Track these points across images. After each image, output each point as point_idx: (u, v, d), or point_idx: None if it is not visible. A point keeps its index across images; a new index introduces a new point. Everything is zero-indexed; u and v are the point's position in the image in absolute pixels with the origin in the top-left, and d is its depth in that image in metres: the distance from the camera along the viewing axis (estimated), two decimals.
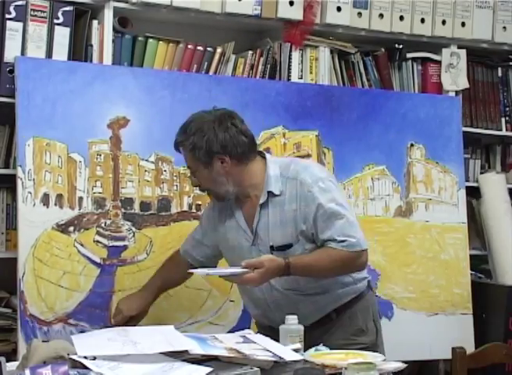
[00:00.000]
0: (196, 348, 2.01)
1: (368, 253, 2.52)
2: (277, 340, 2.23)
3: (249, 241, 2.55)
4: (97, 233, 2.95)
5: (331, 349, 2.22)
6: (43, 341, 2.02)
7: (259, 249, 2.52)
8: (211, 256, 2.73)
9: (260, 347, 2.08)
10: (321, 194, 2.45)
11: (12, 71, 2.94)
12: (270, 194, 2.50)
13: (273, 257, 2.41)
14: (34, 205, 2.86)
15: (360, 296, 2.60)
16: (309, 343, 2.24)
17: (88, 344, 2.06)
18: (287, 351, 2.09)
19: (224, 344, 2.08)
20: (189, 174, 2.65)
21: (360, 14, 3.49)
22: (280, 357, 2.01)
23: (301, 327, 2.25)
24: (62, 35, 3.02)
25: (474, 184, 3.82)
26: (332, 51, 3.50)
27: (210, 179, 2.51)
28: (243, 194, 2.54)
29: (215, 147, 2.46)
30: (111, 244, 2.96)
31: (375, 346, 2.54)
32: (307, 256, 2.47)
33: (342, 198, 2.53)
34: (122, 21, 3.17)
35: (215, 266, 2.72)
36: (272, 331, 2.39)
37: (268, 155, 2.60)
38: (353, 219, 2.47)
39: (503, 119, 3.87)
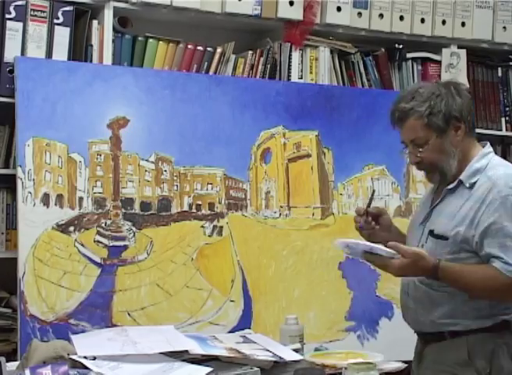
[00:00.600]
0: (196, 348, 2.01)
1: None
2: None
3: (422, 219, 2.40)
4: (98, 233, 2.95)
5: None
6: (43, 341, 2.03)
7: (423, 230, 2.37)
8: None
9: (260, 347, 2.08)
10: (507, 209, 2.21)
11: (12, 71, 2.94)
12: (460, 183, 2.31)
13: (424, 254, 2.20)
14: (34, 205, 2.86)
15: (483, 330, 2.29)
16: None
17: (88, 344, 2.07)
18: (287, 351, 2.09)
19: (224, 344, 2.08)
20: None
21: (360, 14, 3.49)
22: (280, 357, 2.01)
23: (301, 327, 2.25)
24: (62, 35, 3.02)
25: None
26: (332, 51, 3.50)
27: (440, 150, 2.30)
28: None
29: (454, 111, 2.28)
30: (111, 244, 2.96)
31: None
32: (463, 265, 2.25)
33: None
34: (122, 21, 3.17)
35: None
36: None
37: (488, 148, 2.38)
38: None
39: (503, 119, 3.87)
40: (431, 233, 2.33)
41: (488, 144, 2.41)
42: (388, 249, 2.20)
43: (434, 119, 2.27)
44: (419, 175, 3.50)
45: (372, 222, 2.46)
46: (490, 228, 2.21)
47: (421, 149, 2.31)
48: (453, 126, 2.29)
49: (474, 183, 2.29)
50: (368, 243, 2.27)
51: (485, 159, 2.33)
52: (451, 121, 2.28)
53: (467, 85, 3.72)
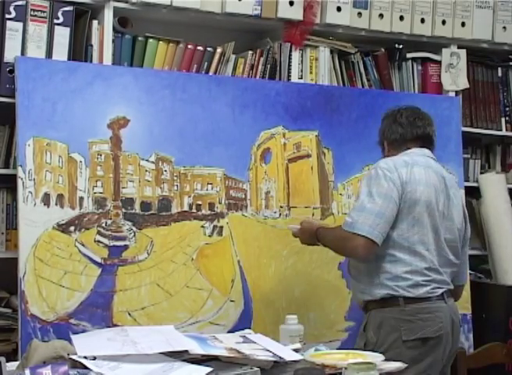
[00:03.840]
0: (196, 348, 2.01)
1: (366, 245, 2.57)
2: None
3: None
4: (98, 233, 2.95)
5: None
6: (43, 341, 2.03)
7: None
8: None
9: (260, 347, 2.08)
10: (366, 178, 2.68)
11: (12, 71, 2.94)
12: None
13: (312, 221, 2.95)
14: (35, 204, 2.86)
15: (375, 303, 2.67)
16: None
17: (88, 344, 2.07)
18: (287, 351, 2.10)
19: (224, 344, 2.08)
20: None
21: (360, 14, 3.49)
22: (280, 357, 2.01)
23: (301, 327, 2.25)
24: (62, 35, 3.02)
25: (474, 184, 3.82)
26: (332, 51, 3.50)
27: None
28: None
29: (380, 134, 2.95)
30: (112, 244, 2.96)
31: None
32: (332, 228, 2.83)
33: (378, 186, 2.62)
34: (122, 21, 3.17)
35: None
36: None
37: (416, 150, 2.84)
38: (368, 206, 2.58)
39: (503, 119, 3.87)
40: None
41: (424, 149, 2.86)
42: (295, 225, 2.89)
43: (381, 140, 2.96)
44: None
45: None
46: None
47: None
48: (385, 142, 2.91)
49: None
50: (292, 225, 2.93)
51: (403, 155, 2.77)
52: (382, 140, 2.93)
53: (467, 85, 3.73)
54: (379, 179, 2.63)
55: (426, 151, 2.85)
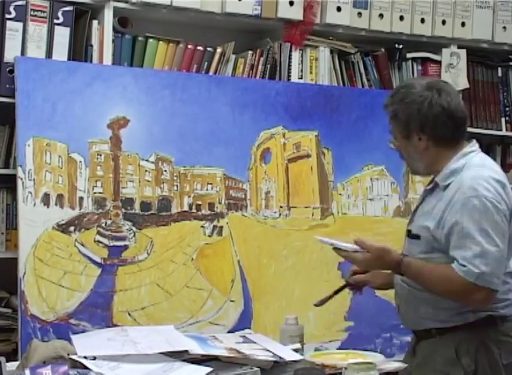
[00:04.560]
0: (196, 348, 2.01)
1: (492, 295, 2.21)
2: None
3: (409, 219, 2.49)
4: (98, 233, 2.95)
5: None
6: (43, 341, 2.03)
7: (406, 231, 2.45)
8: None
9: (260, 347, 2.08)
10: (469, 211, 2.23)
11: (12, 71, 2.94)
12: (436, 184, 2.37)
13: (389, 249, 2.30)
14: (35, 204, 2.86)
15: (468, 325, 2.31)
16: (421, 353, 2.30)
17: (88, 344, 2.07)
18: (287, 351, 2.10)
19: (224, 344, 2.08)
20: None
21: (360, 14, 3.49)
22: (280, 357, 2.01)
23: (301, 327, 2.25)
24: (62, 35, 3.02)
25: None
26: (332, 51, 3.50)
27: (406, 150, 2.42)
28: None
29: (414, 124, 2.35)
30: (111, 244, 2.96)
31: None
32: (424, 263, 2.30)
33: (493, 223, 2.22)
34: (122, 21, 3.17)
35: None
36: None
37: (470, 148, 2.39)
38: (491, 251, 2.19)
39: (503, 119, 3.87)
40: (408, 233, 2.41)
41: (474, 141, 2.43)
42: (351, 245, 2.32)
43: (397, 123, 2.41)
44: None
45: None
46: (453, 228, 2.24)
47: (394, 141, 2.46)
48: (416, 134, 2.37)
49: (449, 184, 2.32)
50: (334, 240, 2.40)
51: (464, 159, 2.35)
52: (411, 130, 2.37)
53: (467, 85, 3.73)
54: (491, 214, 2.22)
55: (477, 145, 2.45)
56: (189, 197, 3.12)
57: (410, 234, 2.39)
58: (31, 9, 2.98)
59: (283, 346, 2.16)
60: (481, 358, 2.28)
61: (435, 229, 2.29)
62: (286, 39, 3.39)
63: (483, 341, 2.30)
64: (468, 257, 2.18)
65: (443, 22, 3.64)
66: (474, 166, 2.33)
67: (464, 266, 2.18)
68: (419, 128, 2.35)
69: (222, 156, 3.15)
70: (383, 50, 3.60)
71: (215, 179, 3.14)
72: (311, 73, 3.45)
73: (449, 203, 2.28)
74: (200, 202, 3.12)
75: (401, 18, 3.56)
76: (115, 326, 2.82)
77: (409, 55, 3.67)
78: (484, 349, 2.29)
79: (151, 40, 3.20)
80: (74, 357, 1.94)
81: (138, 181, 3.03)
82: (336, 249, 2.36)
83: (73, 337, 2.12)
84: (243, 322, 3.03)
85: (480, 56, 3.84)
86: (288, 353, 2.07)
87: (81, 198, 2.94)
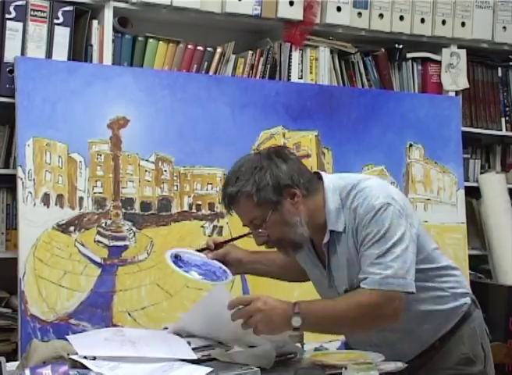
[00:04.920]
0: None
1: (404, 300, 2.04)
2: None
3: (326, 281, 2.18)
4: (98, 233, 2.95)
5: None
6: (43, 341, 2.02)
7: (337, 291, 2.15)
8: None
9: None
10: (373, 222, 2.03)
11: (12, 71, 2.94)
12: (332, 232, 2.10)
13: (271, 298, 2.00)
14: (35, 204, 2.86)
15: (465, 318, 2.20)
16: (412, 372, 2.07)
17: (88, 344, 2.06)
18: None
19: None
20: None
21: (360, 14, 3.49)
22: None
23: None
24: (62, 35, 3.02)
25: (474, 184, 3.82)
26: (332, 51, 3.50)
27: (282, 223, 2.07)
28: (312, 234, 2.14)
29: (282, 180, 2.05)
30: (111, 244, 2.96)
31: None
32: (322, 300, 2.14)
33: (398, 227, 2.03)
34: (122, 21, 3.17)
35: None
36: None
37: (326, 180, 2.14)
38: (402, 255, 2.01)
39: (503, 119, 3.87)
40: (346, 292, 2.11)
41: (323, 174, 2.17)
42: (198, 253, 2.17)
43: (264, 195, 2.04)
44: (418, 175, 3.51)
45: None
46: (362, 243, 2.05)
47: (261, 229, 2.09)
48: (287, 195, 2.06)
49: (345, 225, 2.08)
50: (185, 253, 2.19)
51: (334, 195, 2.10)
52: (283, 191, 2.05)
53: (467, 85, 3.73)
54: (391, 216, 2.04)
55: (324, 172, 2.21)
56: (189, 197, 3.11)
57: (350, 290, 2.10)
58: (31, 9, 2.98)
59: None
60: (485, 344, 2.25)
61: (359, 266, 2.07)
62: (286, 39, 3.39)
63: (480, 326, 2.25)
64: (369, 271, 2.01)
65: (443, 22, 3.64)
66: (351, 190, 2.10)
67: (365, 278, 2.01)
68: (289, 182, 2.05)
69: (222, 156, 3.15)
70: (383, 50, 3.60)
71: (215, 179, 3.14)
72: (311, 73, 3.45)
73: (356, 235, 2.07)
74: (200, 202, 3.12)
75: (401, 18, 3.56)
76: (115, 326, 2.83)
77: (409, 55, 3.67)
78: (482, 333, 2.26)
79: (151, 40, 3.20)
80: (74, 357, 1.94)
81: (138, 181, 3.03)
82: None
83: (69, 338, 2.10)
84: None
85: (480, 56, 3.84)
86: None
87: (81, 198, 2.94)
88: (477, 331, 2.23)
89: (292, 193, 2.06)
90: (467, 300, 2.22)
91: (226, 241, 2.34)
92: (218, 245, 2.31)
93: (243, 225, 2.15)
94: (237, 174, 2.07)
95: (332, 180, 2.14)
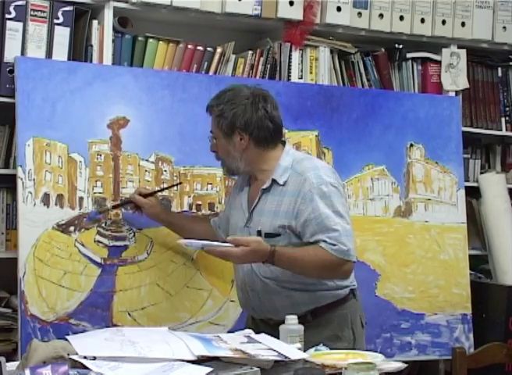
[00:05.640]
0: (201, 349, 2.00)
1: (353, 266, 2.50)
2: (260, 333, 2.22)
3: (243, 221, 2.59)
4: (98, 233, 2.95)
5: None
6: (43, 341, 2.02)
7: (249, 232, 2.56)
8: (226, 229, 2.75)
9: (265, 346, 2.08)
10: (321, 197, 2.46)
11: (12, 71, 2.94)
12: (274, 181, 2.54)
13: (261, 240, 2.44)
14: (35, 204, 2.86)
15: (340, 302, 2.58)
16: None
17: (88, 344, 2.06)
18: (292, 349, 2.09)
19: (228, 344, 2.08)
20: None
21: (360, 14, 3.49)
22: (285, 356, 2.00)
23: (301, 327, 2.24)
24: (62, 35, 3.02)
25: (474, 184, 3.82)
26: (332, 51, 3.50)
27: (226, 150, 2.57)
28: (253, 175, 2.61)
29: (239, 122, 2.52)
30: (111, 244, 2.96)
31: None
32: (295, 249, 2.47)
33: (341, 205, 2.50)
34: (122, 21, 3.17)
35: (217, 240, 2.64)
36: (254, 324, 2.55)
37: (288, 146, 2.63)
38: (348, 228, 2.46)
39: (503, 119, 3.87)
40: (259, 233, 2.53)
41: (287, 143, 2.66)
42: (225, 244, 2.43)
43: (221, 122, 2.55)
44: (419, 175, 3.51)
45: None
46: (309, 217, 2.45)
47: (214, 141, 2.60)
48: (238, 135, 2.54)
49: (286, 180, 2.51)
50: (205, 242, 2.48)
51: (289, 156, 2.56)
52: (235, 130, 2.53)
53: (467, 85, 3.73)
54: (338, 196, 2.50)
55: (290, 146, 2.77)
56: (189, 197, 3.11)
57: (262, 234, 2.51)
58: (31, 9, 2.98)
59: (287, 345, 2.15)
60: (356, 328, 2.58)
61: (291, 221, 2.48)
62: (286, 39, 3.39)
63: (354, 313, 2.59)
64: (335, 237, 2.41)
65: (443, 22, 3.64)
66: (302, 159, 2.57)
67: (334, 245, 2.41)
68: (243, 128, 2.52)
69: None
70: (383, 50, 3.61)
71: (215, 179, 3.14)
72: (311, 73, 3.45)
73: (298, 195, 2.48)
74: (200, 202, 3.12)
75: (401, 18, 3.56)
76: (115, 326, 2.82)
77: (409, 55, 3.67)
78: (355, 319, 2.59)
79: (151, 40, 3.20)
80: (74, 357, 1.94)
81: (138, 181, 3.03)
82: (209, 249, 2.48)
83: (69, 338, 2.10)
84: (244, 322, 3.02)
85: (480, 56, 3.84)
86: (293, 352, 2.07)
87: (81, 198, 2.94)
88: (348, 316, 2.58)
89: (241, 135, 2.53)
90: (346, 291, 2.58)
91: (153, 193, 2.89)
92: (145, 196, 2.85)
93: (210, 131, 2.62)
94: (222, 93, 2.59)
95: (292, 151, 2.64)
